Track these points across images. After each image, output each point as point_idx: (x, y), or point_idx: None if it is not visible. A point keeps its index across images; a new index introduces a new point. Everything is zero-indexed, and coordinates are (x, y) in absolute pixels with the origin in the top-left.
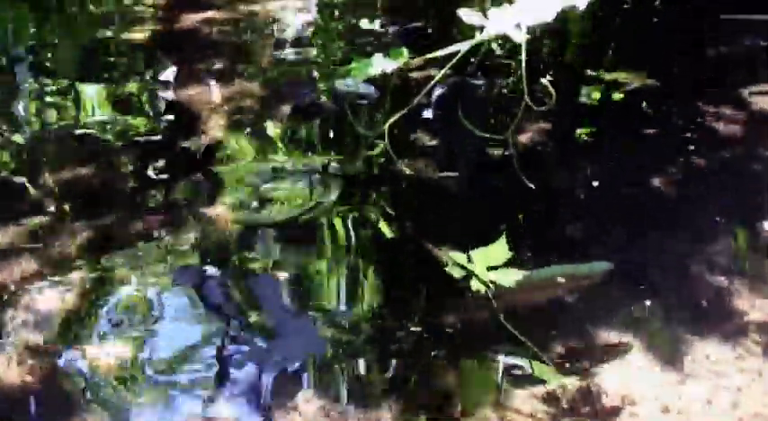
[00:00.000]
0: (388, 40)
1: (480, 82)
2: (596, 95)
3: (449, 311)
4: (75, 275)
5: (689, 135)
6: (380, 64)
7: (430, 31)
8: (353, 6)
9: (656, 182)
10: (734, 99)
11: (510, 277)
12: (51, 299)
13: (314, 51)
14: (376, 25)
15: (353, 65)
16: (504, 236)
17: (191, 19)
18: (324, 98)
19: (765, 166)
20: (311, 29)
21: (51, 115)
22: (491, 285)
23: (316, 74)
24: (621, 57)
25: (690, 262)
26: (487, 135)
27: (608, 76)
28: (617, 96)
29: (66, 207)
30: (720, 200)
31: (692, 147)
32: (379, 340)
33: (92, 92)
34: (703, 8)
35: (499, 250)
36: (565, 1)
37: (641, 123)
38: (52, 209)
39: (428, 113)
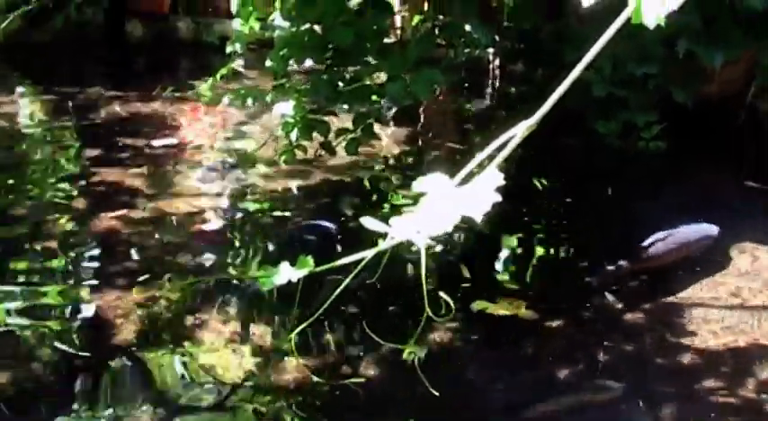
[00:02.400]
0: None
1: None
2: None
3: None
4: None
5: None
6: (287, 273)
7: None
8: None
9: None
10: None
11: None
12: None
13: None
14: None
15: (260, 273)
16: None
17: (107, 218)
18: None
19: None
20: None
21: None
22: None
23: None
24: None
25: None
26: (391, 344)
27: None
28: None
29: None
30: None
31: None
32: None
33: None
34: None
35: None
36: (463, 212)
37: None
38: None
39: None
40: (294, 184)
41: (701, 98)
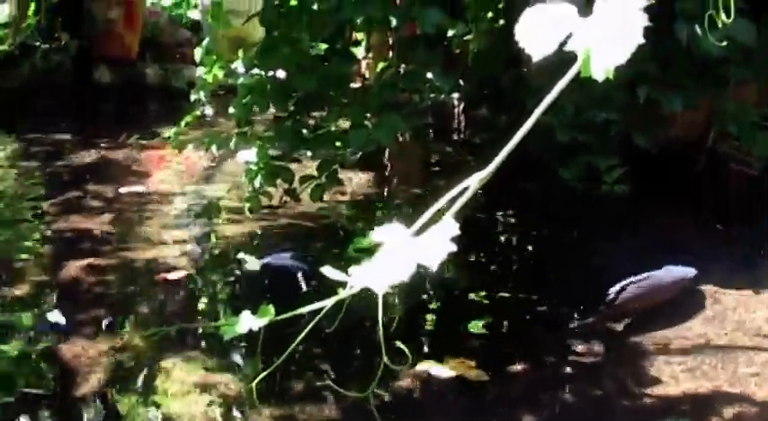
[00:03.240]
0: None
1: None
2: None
3: None
4: None
5: None
6: (248, 322)
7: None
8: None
9: None
10: None
11: None
12: None
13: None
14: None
15: (222, 322)
16: None
17: (73, 266)
18: None
19: None
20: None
21: None
22: None
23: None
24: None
25: None
26: (349, 393)
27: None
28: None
29: None
30: None
31: None
32: None
33: None
34: None
35: None
36: (419, 261)
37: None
38: None
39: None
40: (260, 231)
41: (662, 142)
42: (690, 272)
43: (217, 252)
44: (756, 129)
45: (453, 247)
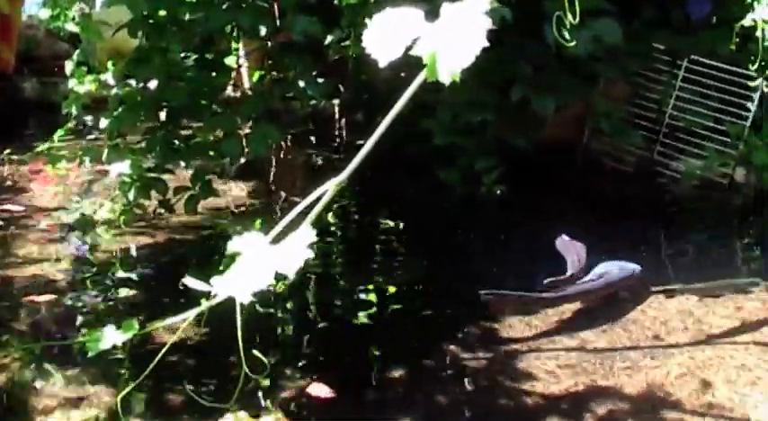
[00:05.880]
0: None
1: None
2: None
3: None
4: None
5: None
6: (112, 337)
7: None
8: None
9: None
10: None
11: None
12: None
13: None
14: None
15: (86, 338)
16: None
17: None
18: None
19: None
20: None
21: None
22: None
23: None
24: None
25: None
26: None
27: None
28: None
29: None
30: None
31: None
32: None
33: None
34: None
35: None
36: (277, 269)
37: None
38: None
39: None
40: (133, 244)
41: (538, 143)
42: (636, 268)
43: (90, 268)
44: (627, 126)
45: (311, 254)
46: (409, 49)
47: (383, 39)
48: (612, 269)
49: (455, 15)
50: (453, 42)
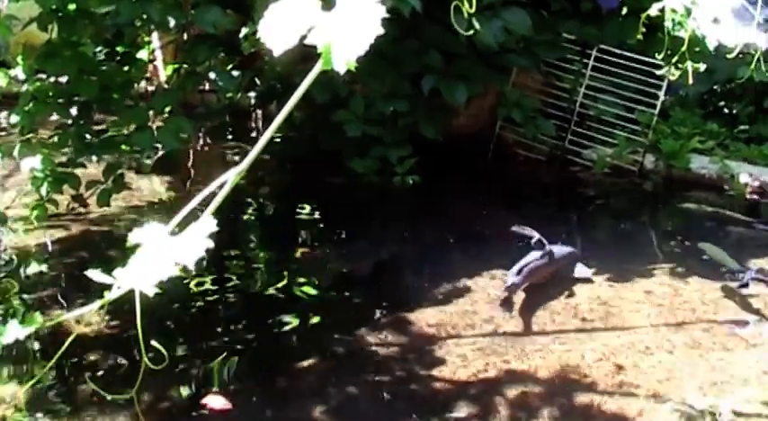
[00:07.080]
0: None
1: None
2: None
3: None
4: None
5: None
6: (14, 332)
7: None
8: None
9: None
10: None
11: None
12: None
13: None
14: None
15: None
16: None
17: None
18: None
19: None
20: None
21: None
22: None
23: None
24: None
25: None
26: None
27: None
28: None
29: None
30: None
31: None
32: None
33: None
34: None
35: None
36: (176, 260)
37: None
38: None
39: None
40: (47, 239)
41: (452, 132)
42: (574, 251)
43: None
44: (539, 115)
45: (211, 244)
46: (304, 38)
47: (278, 28)
48: (554, 249)
49: (350, 4)
50: (348, 31)
